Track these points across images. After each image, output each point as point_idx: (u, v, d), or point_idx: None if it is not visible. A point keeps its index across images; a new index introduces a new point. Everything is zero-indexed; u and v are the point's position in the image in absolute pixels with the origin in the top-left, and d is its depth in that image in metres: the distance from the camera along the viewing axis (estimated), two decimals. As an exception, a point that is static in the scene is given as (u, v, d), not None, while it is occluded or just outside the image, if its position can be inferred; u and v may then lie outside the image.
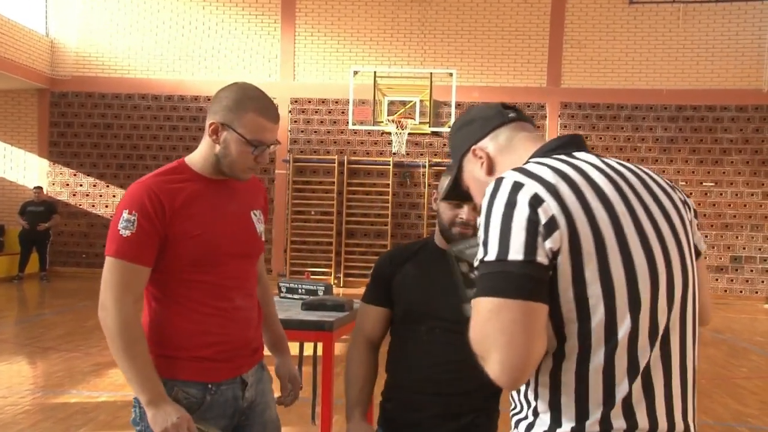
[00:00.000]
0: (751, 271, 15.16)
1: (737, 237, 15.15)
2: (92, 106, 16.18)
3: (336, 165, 15.50)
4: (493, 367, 1.36)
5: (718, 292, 15.04)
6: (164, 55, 16.01)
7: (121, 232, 2.14)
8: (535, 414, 1.45)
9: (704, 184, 15.16)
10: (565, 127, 15.40)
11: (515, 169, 1.46)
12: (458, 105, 14.86)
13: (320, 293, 4.07)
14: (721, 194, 15.18)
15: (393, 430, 2.54)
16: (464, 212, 2.49)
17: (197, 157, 2.32)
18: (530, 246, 1.35)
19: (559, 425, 1.41)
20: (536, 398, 1.45)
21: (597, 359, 1.39)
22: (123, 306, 2.12)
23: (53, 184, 16.09)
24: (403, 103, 14.88)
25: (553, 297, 1.39)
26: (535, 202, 1.37)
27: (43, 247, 14.80)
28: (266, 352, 2.55)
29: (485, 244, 1.40)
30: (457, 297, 1.95)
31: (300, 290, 4.06)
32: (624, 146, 15.35)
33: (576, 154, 1.55)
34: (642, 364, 1.41)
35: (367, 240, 15.54)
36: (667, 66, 15.32)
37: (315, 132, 15.78)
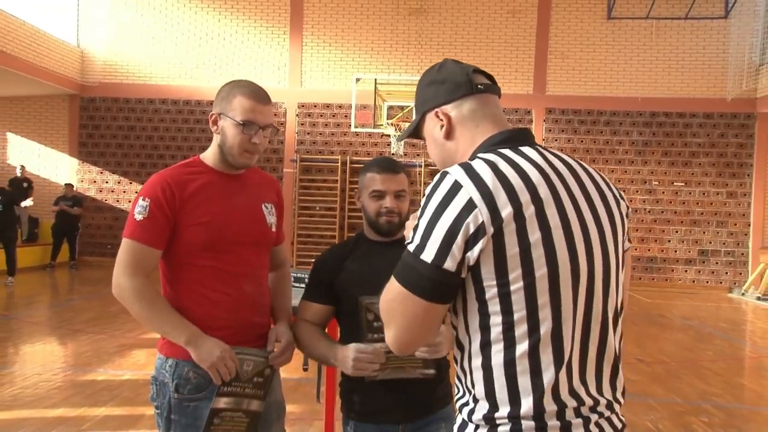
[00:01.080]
0: (716, 263, 15.20)
1: (704, 232, 15.18)
2: (117, 110, 16.19)
3: (339, 164, 15.52)
4: (390, 335, 1.44)
5: (686, 283, 15.08)
6: (183, 63, 16.02)
7: (135, 217, 2.17)
8: (475, 400, 1.44)
9: (675, 184, 15.18)
10: (550, 130, 15.42)
11: (461, 165, 1.41)
12: (451, 110, 14.87)
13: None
14: (690, 193, 15.21)
15: (363, 419, 2.40)
16: (387, 201, 2.39)
17: (209, 153, 2.33)
18: (443, 252, 1.34)
19: (496, 410, 1.40)
20: (473, 386, 1.43)
21: (521, 350, 1.37)
22: (134, 278, 2.15)
23: (82, 181, 16.11)
24: (401, 108, 14.86)
25: (478, 291, 1.38)
26: (470, 206, 1.34)
27: (73, 238, 14.91)
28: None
29: (415, 231, 1.40)
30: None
31: (306, 279, 4.07)
32: (603, 149, 15.37)
33: (521, 148, 1.48)
34: (566, 354, 1.39)
35: (368, 233, 15.53)
36: (642, 76, 15.33)
37: (320, 134, 15.80)
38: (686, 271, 15.14)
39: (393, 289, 1.42)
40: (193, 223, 2.19)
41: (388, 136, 14.75)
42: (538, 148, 1.50)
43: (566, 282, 1.38)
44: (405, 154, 15.02)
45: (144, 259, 2.17)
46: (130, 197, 16.04)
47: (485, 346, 1.40)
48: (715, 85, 15.20)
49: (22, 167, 15.47)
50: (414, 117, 1.67)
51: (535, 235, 1.36)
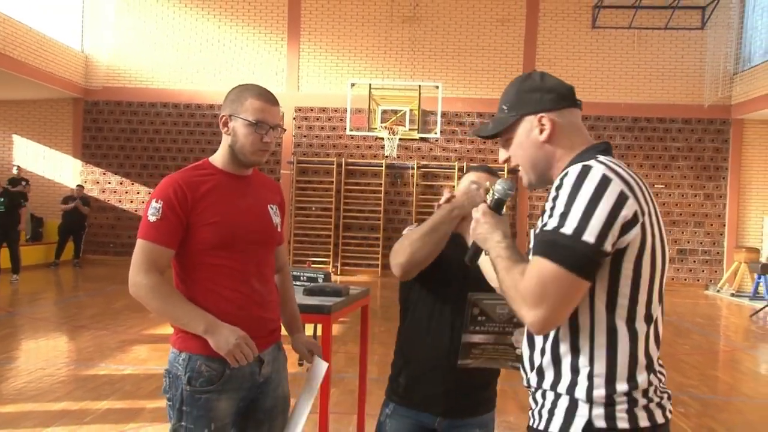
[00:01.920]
0: (694, 262, 15.27)
1: (683, 232, 15.25)
2: (120, 113, 16.16)
3: (335, 166, 15.52)
4: (537, 315, 1.46)
5: (666, 280, 15.10)
6: (183, 68, 16.00)
7: (149, 218, 2.18)
8: (590, 378, 1.52)
9: (656, 186, 15.24)
10: (536, 134, 15.41)
11: (599, 162, 1.51)
12: (443, 114, 14.90)
13: (320, 280, 4.06)
14: (670, 195, 15.28)
15: (404, 402, 2.37)
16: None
17: (218, 155, 2.35)
18: (603, 235, 1.43)
19: (614, 387, 1.51)
20: (591, 364, 1.52)
21: (643, 331, 1.52)
22: (149, 275, 2.17)
23: (86, 182, 16.06)
24: (395, 112, 14.90)
25: (614, 274, 1.49)
26: (623, 198, 1.45)
27: (79, 237, 14.91)
28: (283, 332, 2.51)
29: (564, 216, 1.46)
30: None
31: (302, 277, 4.05)
32: (587, 152, 15.37)
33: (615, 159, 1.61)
34: (660, 339, 1.59)
35: (362, 233, 15.57)
36: (624, 83, 15.39)
37: (316, 137, 15.79)
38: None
39: (545, 269, 1.45)
40: (204, 223, 2.21)
41: (382, 139, 14.77)
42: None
43: (663, 281, 1.59)
44: (398, 157, 15.03)
45: (158, 258, 2.19)
46: (132, 198, 16.01)
47: (611, 326, 1.51)
48: (693, 93, 15.28)
49: (18, 167, 15.26)
50: (504, 116, 1.73)
51: (655, 231, 1.53)
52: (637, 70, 15.39)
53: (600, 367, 1.51)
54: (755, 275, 13.51)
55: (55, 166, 16.25)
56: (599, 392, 1.50)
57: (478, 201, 2.01)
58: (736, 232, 15.14)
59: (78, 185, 15.28)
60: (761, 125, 15.08)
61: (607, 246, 1.44)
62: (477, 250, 1.77)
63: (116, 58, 16.12)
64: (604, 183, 1.46)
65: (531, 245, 1.57)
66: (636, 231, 1.47)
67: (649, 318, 1.53)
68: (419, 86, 14.51)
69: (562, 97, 1.69)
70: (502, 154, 1.77)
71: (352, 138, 15.53)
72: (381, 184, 15.44)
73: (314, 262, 14.51)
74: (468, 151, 15.55)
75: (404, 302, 2.48)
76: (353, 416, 4.61)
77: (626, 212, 1.45)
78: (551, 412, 1.56)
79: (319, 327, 4.23)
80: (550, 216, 1.49)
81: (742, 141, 15.16)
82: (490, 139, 1.81)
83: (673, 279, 15.14)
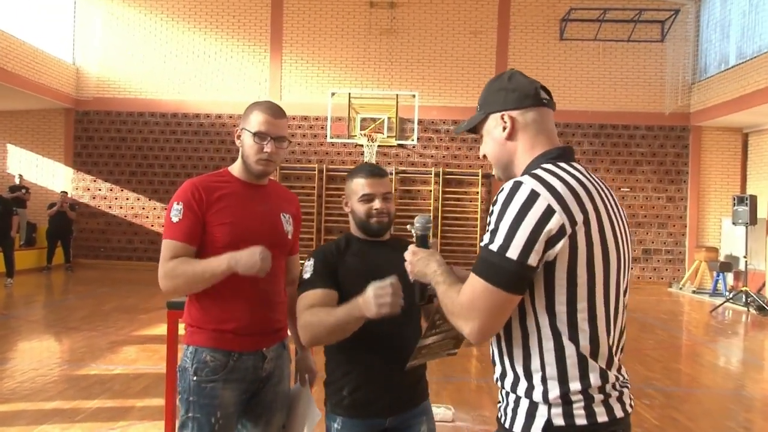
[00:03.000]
0: (658, 261, 15.44)
1: (647, 233, 15.42)
2: (110, 122, 16.03)
3: (316, 172, 15.51)
4: (472, 329, 1.50)
5: (631, 279, 15.24)
6: (170, 79, 15.90)
7: (172, 219, 2.26)
8: (544, 381, 1.54)
9: (622, 189, 15.40)
10: (508, 141, 15.49)
11: (531, 176, 1.52)
12: (420, 122, 14.94)
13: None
14: (635, 198, 15.43)
15: (351, 414, 2.27)
16: (376, 203, 2.32)
17: (236, 165, 2.42)
18: (527, 250, 1.44)
19: (568, 387, 1.52)
20: (542, 368, 1.54)
21: (585, 333, 1.52)
22: (169, 263, 2.24)
23: (77, 188, 15.92)
24: (374, 120, 14.91)
25: (548, 284, 1.49)
26: (549, 213, 1.45)
27: (67, 241, 14.69)
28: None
29: (494, 233, 1.49)
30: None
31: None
32: (556, 157, 15.48)
33: (572, 163, 1.61)
34: (610, 339, 1.57)
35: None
36: (591, 92, 15.53)
37: (298, 144, 15.77)
38: (632, 268, 15.26)
39: (476, 287, 1.49)
40: (218, 223, 2.27)
41: (362, 145, 14.77)
42: (579, 164, 1.64)
43: (611, 283, 1.56)
44: (377, 163, 14.99)
45: (180, 254, 2.25)
46: (121, 204, 15.88)
47: (555, 331, 1.52)
48: (654, 101, 15.46)
49: (20, 176, 15.26)
50: (476, 114, 1.75)
51: (597, 239, 1.51)
52: (602, 79, 15.56)
53: (551, 370, 1.52)
54: (714, 273, 13.67)
55: (47, 174, 16.07)
56: (554, 393, 1.51)
57: (375, 310, 1.97)
58: (696, 232, 15.33)
59: (62, 191, 15.06)
60: (717, 132, 15.30)
61: (532, 261, 1.45)
62: (422, 287, 1.78)
63: (106, 69, 15.99)
64: (530, 200, 1.46)
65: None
66: (563, 243, 1.45)
67: (593, 319, 1.52)
68: (397, 95, 14.53)
69: (525, 96, 1.67)
70: (481, 151, 1.79)
71: (333, 145, 15.53)
72: (361, 189, 15.39)
73: (298, 264, 14.47)
74: (444, 156, 15.61)
75: None
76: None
77: (551, 227, 1.44)
78: (514, 412, 1.58)
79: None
80: (486, 232, 1.52)
81: (701, 147, 15.36)
82: (471, 134, 1.82)
83: (638, 278, 15.30)
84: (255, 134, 2.31)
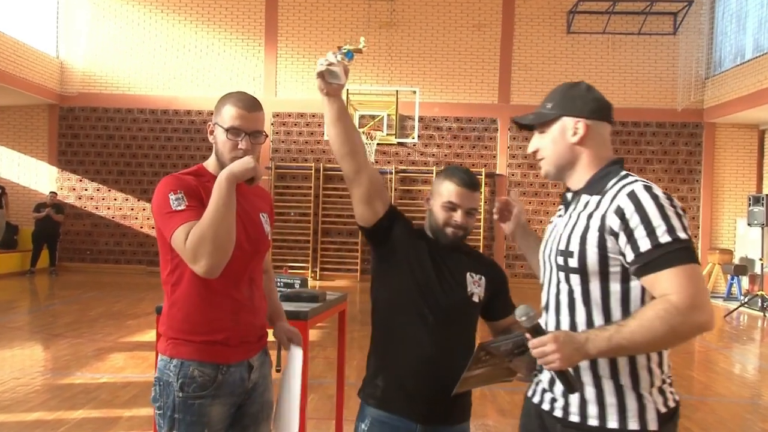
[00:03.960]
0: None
1: (659, 235, 15.37)
2: (96, 119, 16.01)
3: (313, 171, 15.49)
4: (708, 309, 1.69)
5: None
6: (160, 74, 15.89)
7: (176, 208, 2.13)
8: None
9: (631, 188, 15.38)
10: (514, 138, 15.53)
11: (638, 181, 1.80)
12: (421, 119, 14.93)
13: (297, 286, 4.04)
14: (646, 197, 15.40)
15: (383, 406, 2.31)
16: (458, 216, 2.32)
17: (210, 162, 2.34)
18: (686, 229, 1.72)
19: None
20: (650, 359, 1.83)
21: None
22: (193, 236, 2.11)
23: (61, 188, 15.88)
24: (372, 117, 14.90)
25: None
26: (675, 202, 1.76)
27: (53, 244, 14.68)
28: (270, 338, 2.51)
29: (657, 228, 1.70)
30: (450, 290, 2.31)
31: (279, 283, 4.02)
32: (563, 156, 15.49)
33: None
34: None
35: (341, 238, 15.54)
36: (599, 87, 14.96)
37: (294, 142, 15.76)
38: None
39: (688, 274, 1.68)
40: None
41: (360, 144, 14.72)
42: None
43: None
44: (376, 162, 15.03)
45: None
46: (109, 204, 15.85)
47: None
48: (666, 96, 15.45)
49: None
50: (546, 112, 1.93)
51: None
52: (611, 74, 15.55)
53: (656, 357, 1.82)
54: (728, 276, 13.67)
55: (30, 173, 16.04)
56: (658, 381, 1.82)
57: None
58: (709, 234, 15.32)
59: (51, 192, 15.07)
60: (732, 129, 15.29)
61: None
62: (569, 377, 1.76)
63: (92, 64, 15.97)
64: (664, 195, 1.75)
65: (588, 260, 1.80)
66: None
67: None
68: (396, 91, 14.52)
69: (599, 110, 1.91)
70: (532, 146, 1.98)
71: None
72: (359, 189, 15.39)
73: (293, 268, 14.45)
74: (446, 155, 15.60)
75: (375, 302, 2.44)
76: (332, 422, 4.59)
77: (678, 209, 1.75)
78: (621, 403, 1.79)
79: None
80: (640, 236, 1.71)
81: (715, 144, 15.34)
82: (526, 128, 2.01)
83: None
84: (228, 130, 2.22)
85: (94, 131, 16.00)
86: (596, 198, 1.84)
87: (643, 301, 1.76)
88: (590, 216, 1.82)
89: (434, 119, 15.60)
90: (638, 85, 15.51)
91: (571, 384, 1.76)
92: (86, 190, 15.98)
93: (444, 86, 15.68)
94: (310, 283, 13.42)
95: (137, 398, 5.48)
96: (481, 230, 15.24)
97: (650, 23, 15.40)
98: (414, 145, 15.47)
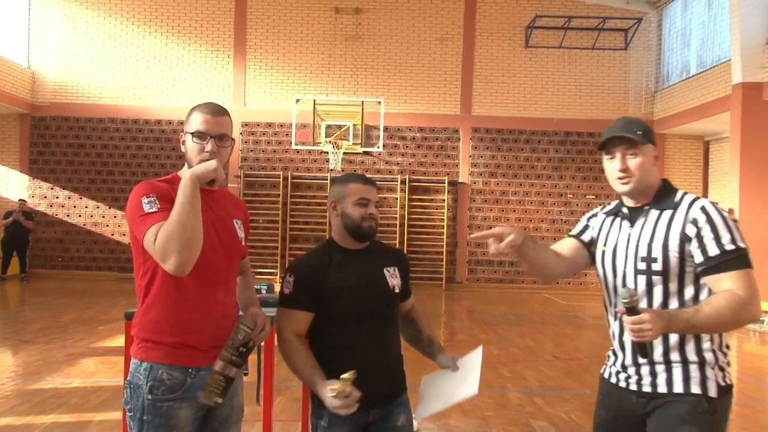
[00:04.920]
0: (625, 267, 15.62)
1: (613, 239, 15.58)
2: (68, 128, 15.74)
3: (281, 180, 15.43)
4: (760, 304, 2.12)
5: (597, 286, 15.38)
6: (131, 84, 15.70)
7: (148, 210, 2.14)
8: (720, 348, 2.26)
9: (587, 196, 15.62)
10: (476, 148, 15.66)
11: (701, 198, 2.22)
12: (386, 129, 14.97)
13: (263, 291, 4.05)
14: (601, 204, 15.55)
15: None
16: (371, 208, 2.51)
17: (183, 171, 2.32)
18: (743, 238, 2.14)
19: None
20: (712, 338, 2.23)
21: None
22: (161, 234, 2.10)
23: (33, 196, 15.58)
24: (339, 127, 14.90)
25: None
26: (731, 213, 2.10)
27: (23, 251, 14.34)
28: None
29: (724, 236, 2.12)
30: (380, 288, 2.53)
31: (274, 289, 4.02)
32: (524, 164, 15.69)
33: None
34: None
35: (309, 245, 15.48)
36: (557, 99, 15.74)
37: (263, 151, 15.68)
38: (596, 275, 15.49)
39: (750, 277, 2.11)
40: None
41: (327, 152, 14.75)
42: None
43: None
44: (343, 170, 15.02)
45: None
46: (80, 212, 15.59)
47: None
48: (619, 108, 15.70)
49: None
50: (641, 137, 2.25)
51: None
52: (567, 86, 15.78)
53: (719, 338, 2.21)
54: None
55: (1, 181, 15.69)
56: (723, 359, 2.20)
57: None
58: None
59: (20, 199, 14.75)
60: (680, 139, 15.62)
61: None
62: (647, 346, 2.14)
63: (63, 74, 15.71)
64: (721, 208, 2.18)
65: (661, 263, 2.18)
66: None
67: None
68: (362, 102, 14.55)
69: (654, 142, 2.32)
70: (622, 164, 2.25)
71: (298, 152, 15.47)
72: (326, 196, 15.34)
73: (261, 274, 14.38)
74: (410, 164, 15.66)
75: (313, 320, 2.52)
76: (298, 423, 4.58)
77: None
78: (703, 376, 2.16)
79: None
80: (710, 243, 2.12)
81: (665, 154, 15.63)
82: (631, 143, 2.24)
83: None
84: (194, 134, 2.25)
85: (65, 140, 15.74)
86: (669, 212, 2.22)
87: (698, 296, 2.17)
88: (669, 227, 2.19)
89: (398, 129, 15.66)
90: (593, 97, 15.77)
91: (647, 352, 2.14)
92: (57, 197, 15.70)
93: (408, 97, 15.75)
94: (276, 288, 13.32)
95: (108, 402, 5.40)
96: (444, 236, 15.32)
97: (603, 39, 15.69)
98: (379, 154, 15.51)
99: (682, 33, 15.03)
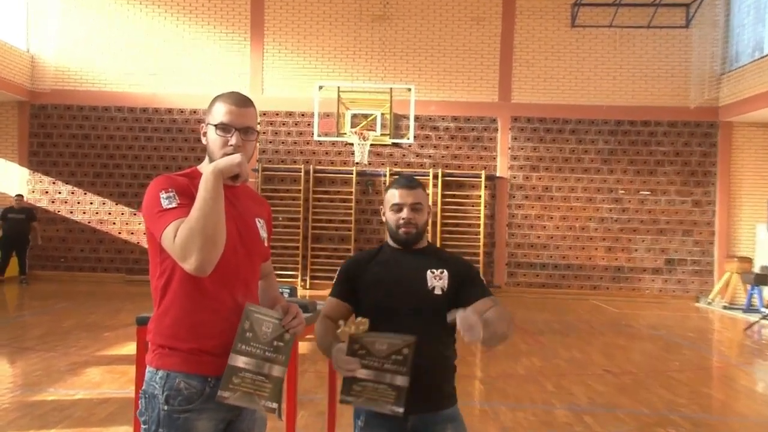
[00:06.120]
0: (683, 272, 15.42)
1: (670, 241, 15.41)
2: (70, 117, 15.93)
3: (302, 174, 15.45)
4: None
5: (654, 292, 15.26)
6: (139, 70, 15.82)
7: (167, 206, 2.16)
8: None
9: (641, 192, 15.40)
10: (516, 139, 15.54)
11: None
12: (417, 118, 14.90)
13: (285, 295, 4.03)
14: (656, 202, 15.43)
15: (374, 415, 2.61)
16: (404, 213, 2.73)
17: (204, 164, 2.36)
18: None
19: None
20: None
21: None
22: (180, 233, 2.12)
23: (33, 191, 15.79)
24: (365, 116, 14.87)
25: None
26: None
27: (23, 252, 14.46)
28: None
29: None
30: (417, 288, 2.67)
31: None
32: (569, 157, 15.53)
33: None
34: None
35: (332, 245, 15.50)
36: (606, 84, 15.55)
37: (282, 143, 15.72)
38: (653, 280, 15.34)
39: None
40: None
41: (352, 144, 14.73)
42: None
43: None
44: (369, 163, 15.00)
45: None
46: (84, 208, 15.76)
47: None
48: (678, 94, 15.48)
49: None
50: None
51: None
52: (619, 70, 15.58)
53: None
54: (748, 286, 13.63)
55: (-2, 175, 15.94)
56: None
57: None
58: (726, 240, 15.31)
59: (17, 195, 14.74)
60: (751, 128, 15.31)
61: None
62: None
63: (65, 58, 15.90)
64: None
65: None
66: None
67: None
68: (390, 89, 14.50)
69: None
70: None
71: (321, 144, 15.48)
72: (351, 192, 15.41)
73: (281, 276, 14.40)
74: (443, 156, 15.58)
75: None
76: (324, 441, 4.54)
77: None
78: None
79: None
80: None
81: (731, 144, 15.35)
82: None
83: (661, 291, 15.28)
84: (217, 126, 2.28)
85: (68, 130, 15.93)
86: None
87: None
88: None
89: (431, 118, 15.59)
90: (648, 82, 15.54)
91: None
92: (60, 193, 15.89)
93: (441, 83, 15.68)
94: (300, 292, 13.37)
95: (115, 415, 5.42)
96: (481, 236, 15.23)
97: (661, 15, 15.43)
98: (409, 146, 15.45)
99: (755, 6, 14.69)
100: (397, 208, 2.74)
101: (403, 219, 2.73)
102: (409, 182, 2.79)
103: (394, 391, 2.41)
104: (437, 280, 2.71)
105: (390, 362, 2.43)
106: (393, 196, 2.77)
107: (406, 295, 2.68)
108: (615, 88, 15.53)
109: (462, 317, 2.36)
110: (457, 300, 2.68)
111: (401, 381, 2.43)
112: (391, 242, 2.83)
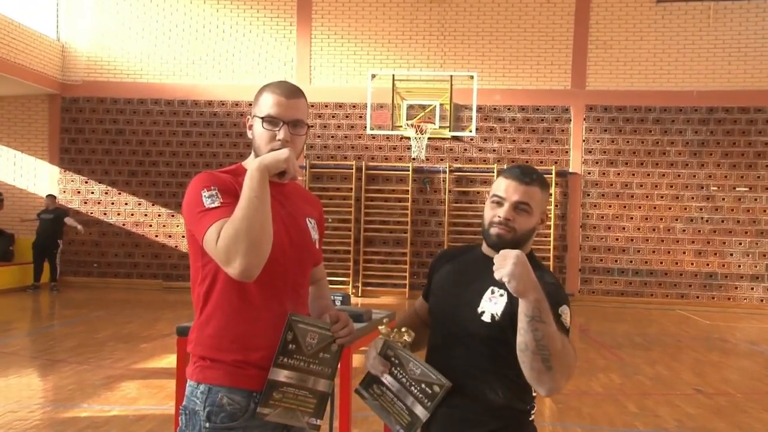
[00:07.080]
0: (788, 279, 15.01)
1: (773, 244, 15.01)
2: (104, 111, 16.27)
3: (354, 171, 15.50)
4: None
5: (753, 302, 14.87)
6: (177, 59, 16.08)
7: (210, 206, 2.18)
8: None
9: (737, 189, 15.02)
10: (591, 130, 15.32)
11: None
12: (479, 108, 14.81)
13: (338, 304, 4.01)
14: (756, 199, 15.02)
15: None
16: (504, 210, 2.32)
17: (249, 160, 2.38)
18: None
19: None
20: None
21: None
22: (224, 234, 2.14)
23: (64, 191, 16.16)
24: (423, 107, 14.86)
25: None
26: None
27: (53, 257, 14.77)
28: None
29: None
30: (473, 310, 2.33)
31: None
32: (652, 150, 15.24)
33: None
34: None
35: (386, 248, 15.49)
36: (698, 66, 15.22)
37: (332, 137, 15.78)
38: (752, 288, 14.94)
39: None
40: None
41: (408, 138, 14.71)
42: None
43: None
44: (427, 159, 14.95)
45: None
46: (118, 209, 16.07)
47: None
48: (784, 75, 15.08)
49: None
50: None
51: None
52: (713, 50, 15.24)
53: None
54: None
55: (28, 174, 16.35)
56: None
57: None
58: None
59: (49, 195, 15.14)
60: None
61: None
62: None
63: (98, 47, 16.24)
64: None
65: None
66: None
67: None
68: (451, 77, 14.47)
69: None
70: None
71: (374, 138, 15.50)
72: (408, 190, 15.39)
73: (332, 283, 14.42)
74: (509, 151, 15.45)
75: None
76: (382, 465, 4.50)
77: None
78: None
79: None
80: None
81: None
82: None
83: (762, 301, 14.89)
84: (264, 119, 2.31)
85: (101, 125, 16.26)
86: None
87: None
88: None
89: (495, 109, 15.49)
90: (747, 63, 15.16)
91: None
92: (93, 193, 16.23)
93: (506, 70, 15.58)
94: (352, 300, 13.37)
95: (152, 435, 5.48)
96: (551, 238, 15.06)
97: (761, -13, 15.08)
98: (471, 140, 15.38)
99: None
100: (498, 202, 2.34)
101: (499, 217, 2.32)
102: (525, 174, 2.36)
103: (409, 417, 2.30)
104: (492, 302, 2.31)
105: (418, 389, 2.31)
106: (498, 186, 2.36)
107: (454, 313, 2.38)
108: (707, 71, 15.18)
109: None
110: (514, 331, 2.17)
111: (420, 413, 2.29)
112: (483, 247, 2.47)
